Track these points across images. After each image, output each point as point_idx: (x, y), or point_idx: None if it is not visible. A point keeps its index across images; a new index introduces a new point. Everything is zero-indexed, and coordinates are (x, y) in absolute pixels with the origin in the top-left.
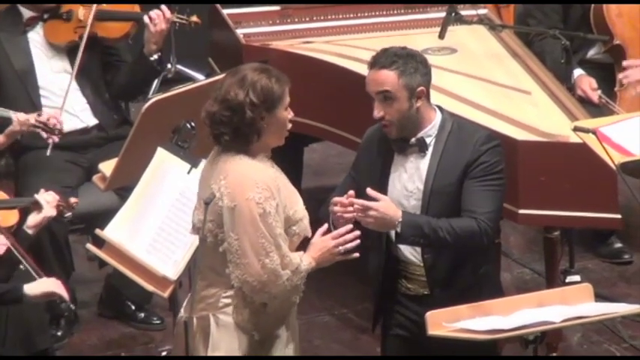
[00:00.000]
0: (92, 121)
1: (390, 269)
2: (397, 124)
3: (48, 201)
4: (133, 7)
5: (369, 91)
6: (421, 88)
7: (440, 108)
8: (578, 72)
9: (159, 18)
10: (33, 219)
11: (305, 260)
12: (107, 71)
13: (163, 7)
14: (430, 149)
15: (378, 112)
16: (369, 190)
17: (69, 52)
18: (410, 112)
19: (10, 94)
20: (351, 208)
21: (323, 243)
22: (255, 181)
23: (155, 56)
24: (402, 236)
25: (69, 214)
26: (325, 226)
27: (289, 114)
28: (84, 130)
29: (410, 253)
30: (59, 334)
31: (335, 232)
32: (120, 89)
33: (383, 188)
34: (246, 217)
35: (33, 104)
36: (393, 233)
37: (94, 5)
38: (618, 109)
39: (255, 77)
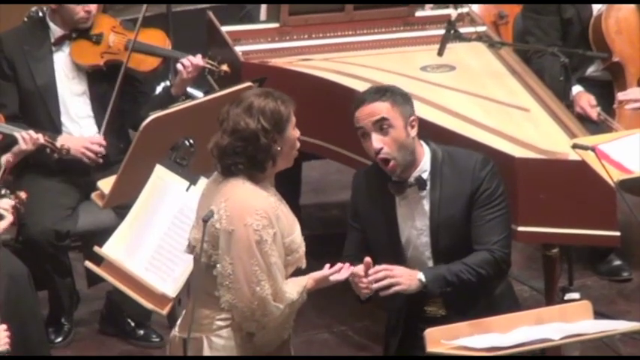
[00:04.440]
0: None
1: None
2: (398, 156)
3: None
4: (165, 42)
5: (364, 126)
6: (413, 117)
7: (425, 141)
8: (577, 89)
9: (192, 65)
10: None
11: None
12: (125, 100)
13: (198, 56)
14: (428, 184)
15: (376, 144)
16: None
17: (90, 75)
18: (407, 140)
19: (31, 112)
20: (370, 278)
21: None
22: (255, 208)
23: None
24: (431, 291)
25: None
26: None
27: (297, 133)
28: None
29: None
30: (57, 340)
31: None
32: (141, 121)
33: (393, 234)
34: (243, 243)
35: (54, 124)
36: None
37: (128, 35)
38: (617, 126)
39: (262, 103)
